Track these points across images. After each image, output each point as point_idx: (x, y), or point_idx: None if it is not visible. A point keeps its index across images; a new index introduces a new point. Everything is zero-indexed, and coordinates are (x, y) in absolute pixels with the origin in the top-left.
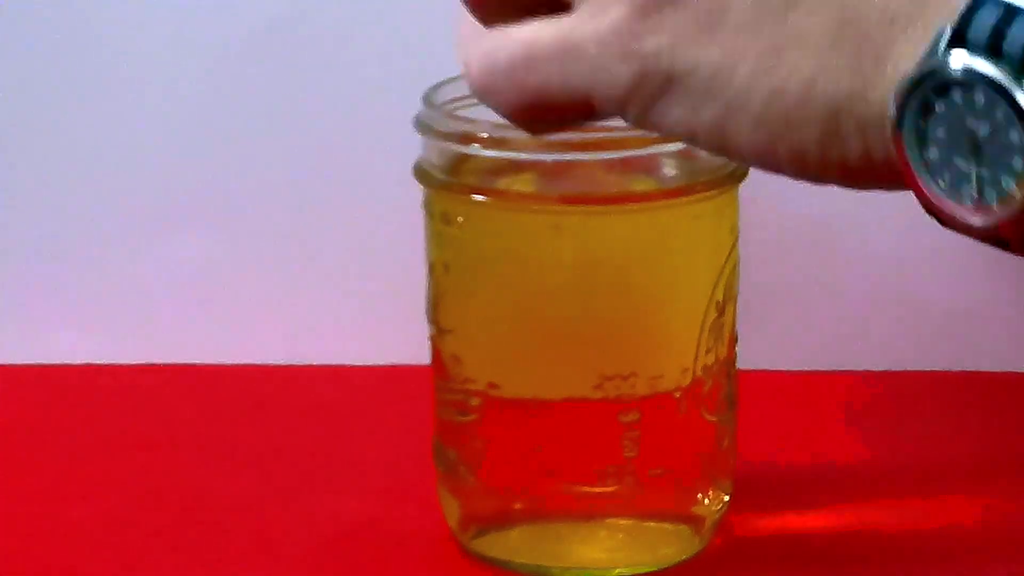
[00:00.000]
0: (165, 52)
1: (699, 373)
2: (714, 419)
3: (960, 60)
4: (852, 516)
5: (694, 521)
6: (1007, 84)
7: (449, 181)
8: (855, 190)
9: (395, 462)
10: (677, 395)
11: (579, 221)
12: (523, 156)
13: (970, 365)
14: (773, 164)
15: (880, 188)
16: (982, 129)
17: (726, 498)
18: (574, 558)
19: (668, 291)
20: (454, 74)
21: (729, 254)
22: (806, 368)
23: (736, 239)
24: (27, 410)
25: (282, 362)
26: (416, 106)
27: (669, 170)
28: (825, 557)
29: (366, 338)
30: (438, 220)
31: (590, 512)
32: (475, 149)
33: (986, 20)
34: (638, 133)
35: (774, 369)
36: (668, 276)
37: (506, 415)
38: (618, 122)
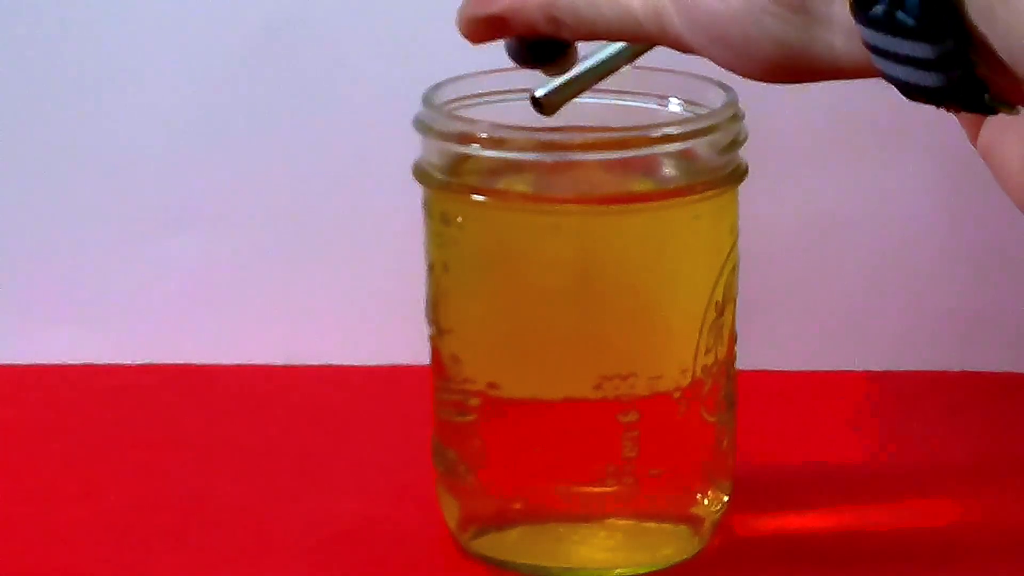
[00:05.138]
0: (165, 52)
1: (698, 373)
2: (713, 419)
3: None
4: (852, 516)
5: (693, 521)
6: None
7: (449, 181)
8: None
9: (395, 462)
10: (676, 395)
11: (578, 221)
12: (523, 156)
13: (970, 365)
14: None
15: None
16: None
17: (725, 498)
18: (573, 558)
19: (667, 291)
20: (454, 74)
21: (729, 254)
22: (806, 368)
23: (736, 239)
24: (27, 410)
25: (282, 362)
26: (416, 106)
27: (669, 170)
28: (825, 557)
29: (366, 338)
30: (438, 220)
31: (589, 512)
32: (474, 149)
33: None
34: (638, 133)
35: (774, 369)
36: (667, 276)
37: (505, 415)
38: (618, 122)
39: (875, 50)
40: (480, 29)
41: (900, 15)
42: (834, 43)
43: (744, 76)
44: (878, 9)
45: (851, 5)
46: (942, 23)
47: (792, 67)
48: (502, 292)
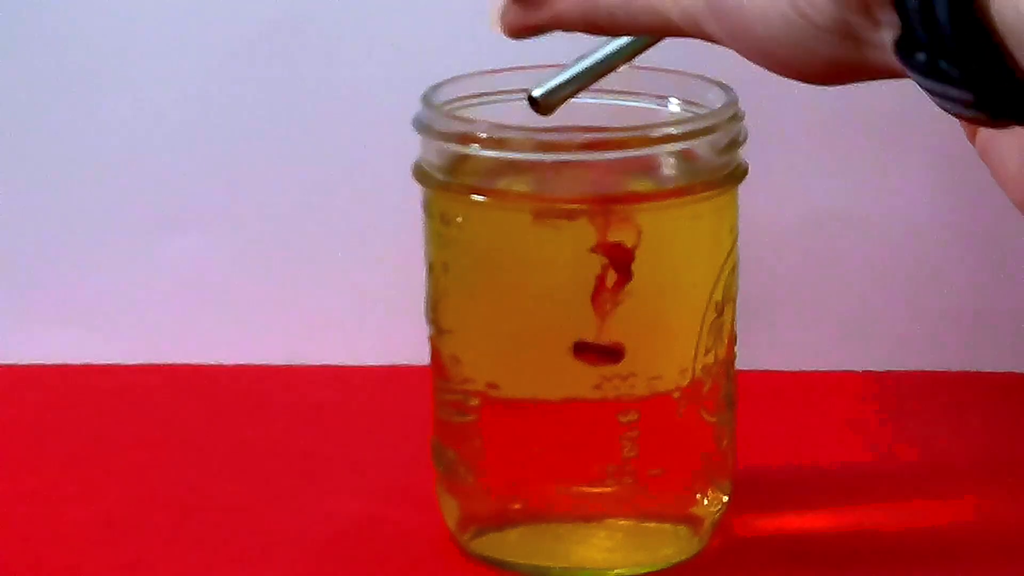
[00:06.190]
0: (165, 52)
1: (698, 373)
2: (713, 419)
3: None
4: (852, 516)
5: (693, 521)
6: None
7: (448, 181)
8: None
9: (395, 462)
10: (676, 395)
11: (579, 221)
12: (522, 156)
13: (971, 365)
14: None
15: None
16: None
17: (725, 498)
18: (573, 558)
19: (667, 291)
20: (454, 74)
21: (728, 254)
22: (806, 368)
23: (735, 239)
24: (27, 410)
25: (282, 362)
26: (416, 106)
27: (669, 170)
28: (825, 557)
29: (366, 338)
30: (437, 220)
31: (589, 512)
32: (474, 149)
33: None
34: (638, 133)
35: (774, 369)
36: (667, 276)
37: (505, 415)
38: (618, 122)
39: (921, 85)
40: (523, 35)
41: (943, 64)
42: (887, 59)
43: (796, 80)
44: (920, 56)
45: (895, 49)
46: (986, 72)
47: (846, 76)
48: (502, 292)
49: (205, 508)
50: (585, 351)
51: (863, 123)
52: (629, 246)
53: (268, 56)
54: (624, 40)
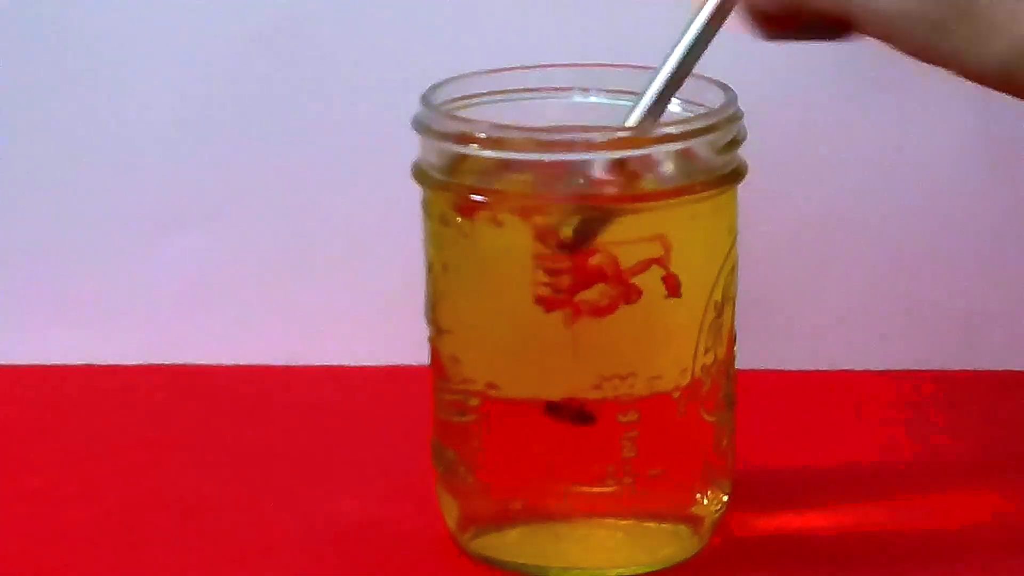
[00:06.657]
0: (165, 52)
1: (698, 373)
2: (713, 419)
3: None
4: (852, 516)
5: (693, 521)
6: None
7: (448, 181)
8: None
9: (394, 462)
10: (676, 395)
11: (579, 221)
12: (521, 156)
13: (970, 365)
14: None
15: None
16: None
17: (725, 498)
18: (573, 558)
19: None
20: (454, 74)
21: (727, 254)
22: (806, 368)
23: (735, 239)
24: (27, 410)
25: (282, 362)
26: (415, 106)
27: (668, 170)
28: (825, 557)
29: (366, 338)
30: (437, 220)
31: (589, 512)
32: (473, 149)
33: None
34: (638, 133)
35: (774, 369)
36: (667, 276)
37: (505, 415)
38: (618, 122)
39: None
40: None
41: None
42: None
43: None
44: None
45: None
46: None
47: None
48: (501, 292)
49: (205, 508)
50: (555, 412)
51: (863, 123)
52: (617, 267)
53: (268, 56)
54: (684, 47)
